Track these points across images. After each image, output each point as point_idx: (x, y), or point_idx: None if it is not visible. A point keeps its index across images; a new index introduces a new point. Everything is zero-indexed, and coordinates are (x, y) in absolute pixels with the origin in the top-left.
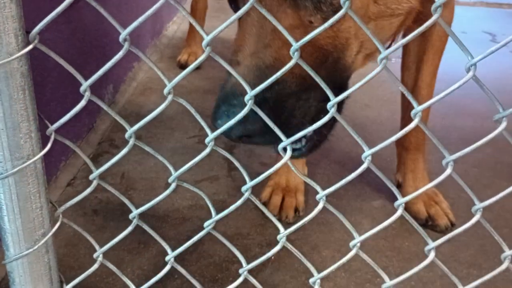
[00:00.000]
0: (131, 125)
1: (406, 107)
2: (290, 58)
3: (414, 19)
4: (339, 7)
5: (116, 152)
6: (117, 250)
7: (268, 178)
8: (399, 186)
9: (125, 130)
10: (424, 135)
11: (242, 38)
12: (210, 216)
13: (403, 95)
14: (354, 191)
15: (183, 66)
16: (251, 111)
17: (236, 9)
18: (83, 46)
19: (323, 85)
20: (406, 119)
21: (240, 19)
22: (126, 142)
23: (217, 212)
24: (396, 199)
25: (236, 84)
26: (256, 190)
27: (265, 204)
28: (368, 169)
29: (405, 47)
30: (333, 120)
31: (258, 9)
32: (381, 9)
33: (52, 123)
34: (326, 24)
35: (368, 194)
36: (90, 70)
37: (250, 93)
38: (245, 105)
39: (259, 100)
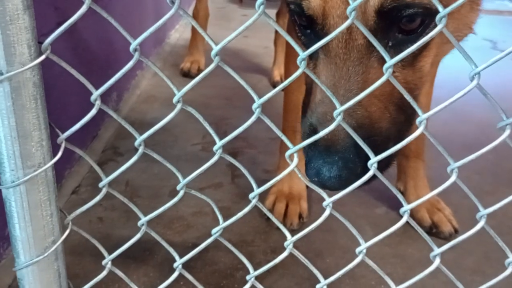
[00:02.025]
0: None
1: None
2: (380, 115)
3: None
4: (418, 53)
5: (120, 160)
6: (122, 257)
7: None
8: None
9: (128, 138)
10: (424, 143)
11: (331, 88)
12: (214, 223)
13: None
14: (356, 198)
15: (186, 74)
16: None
17: (307, 36)
18: (87, 55)
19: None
20: None
21: (315, 63)
22: (130, 149)
23: (223, 220)
24: (399, 206)
25: (331, 140)
26: (259, 197)
27: (269, 211)
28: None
29: None
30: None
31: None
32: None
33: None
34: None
35: (371, 201)
36: (95, 79)
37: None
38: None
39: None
